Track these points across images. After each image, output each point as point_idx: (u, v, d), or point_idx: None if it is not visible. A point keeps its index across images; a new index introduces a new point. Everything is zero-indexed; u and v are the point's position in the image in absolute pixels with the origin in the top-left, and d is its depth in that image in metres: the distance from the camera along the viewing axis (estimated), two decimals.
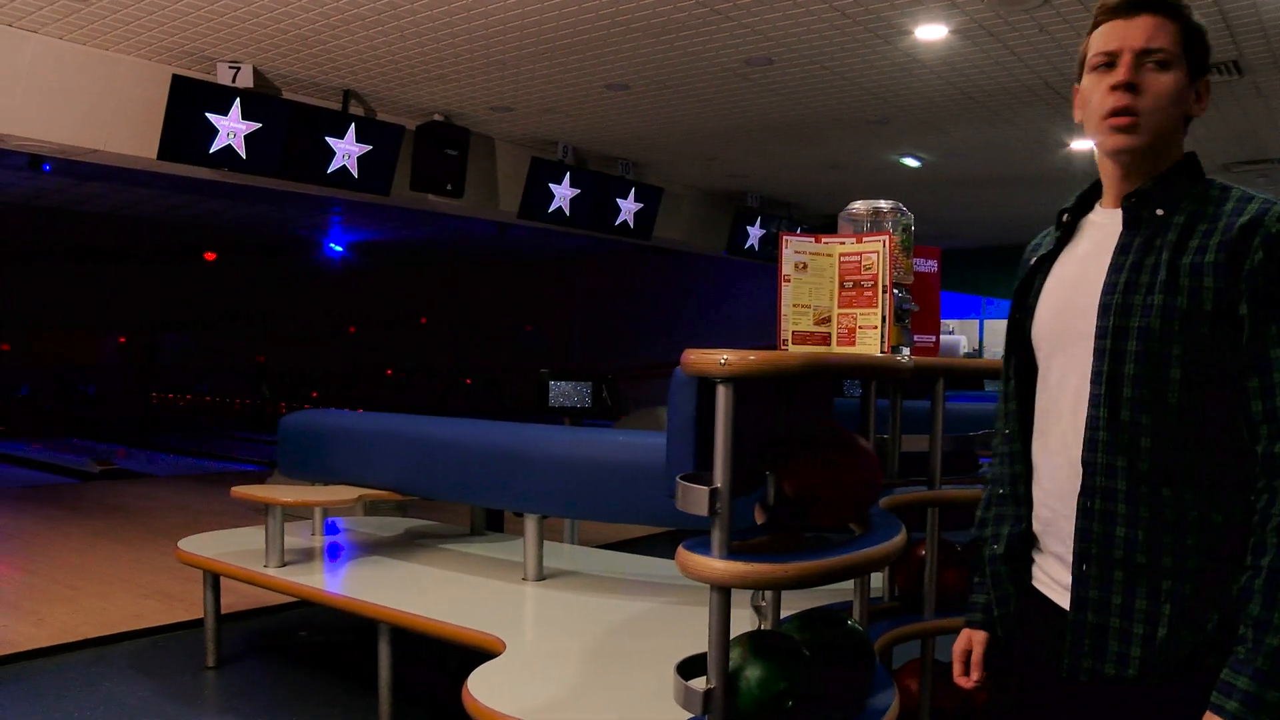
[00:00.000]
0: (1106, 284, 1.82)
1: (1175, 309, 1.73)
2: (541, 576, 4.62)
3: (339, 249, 20.12)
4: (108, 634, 5.89)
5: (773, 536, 2.44)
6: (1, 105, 6.72)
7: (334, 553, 5.46)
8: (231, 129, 7.37)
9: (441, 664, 5.20)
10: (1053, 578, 1.93)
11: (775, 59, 6.99)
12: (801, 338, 2.63)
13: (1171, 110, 1.82)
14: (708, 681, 2.11)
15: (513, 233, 14.39)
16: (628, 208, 10.54)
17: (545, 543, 4.71)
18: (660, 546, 6.48)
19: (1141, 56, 1.81)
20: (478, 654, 3.66)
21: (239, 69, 7.34)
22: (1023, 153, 9.72)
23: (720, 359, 2.06)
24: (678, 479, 2.18)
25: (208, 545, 5.47)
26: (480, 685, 3.16)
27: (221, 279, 28.16)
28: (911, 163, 10.32)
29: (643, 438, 4.38)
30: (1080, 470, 1.83)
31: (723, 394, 2.08)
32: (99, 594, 6.76)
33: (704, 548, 2.12)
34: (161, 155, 7.26)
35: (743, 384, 2.09)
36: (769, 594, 2.76)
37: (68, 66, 6.96)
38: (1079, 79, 1.93)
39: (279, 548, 4.94)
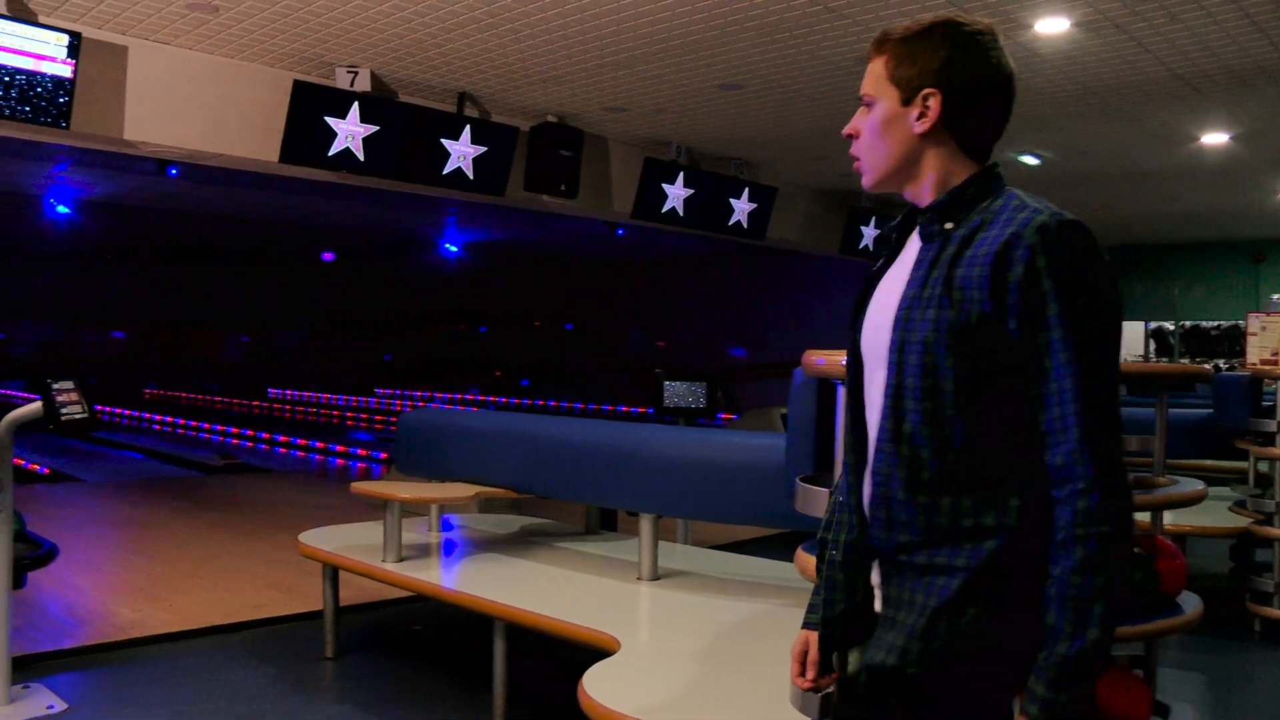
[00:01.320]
0: (900, 299, 1.82)
1: (946, 321, 1.73)
2: (656, 576, 4.63)
3: (454, 249, 20.44)
4: (231, 622, 6.08)
5: None
6: (136, 114, 6.98)
7: (450, 549, 5.54)
8: (350, 132, 7.53)
9: (554, 661, 5.25)
10: (873, 583, 1.93)
11: None
12: None
13: (884, 142, 1.87)
14: None
15: (625, 233, 14.46)
16: (741, 208, 10.51)
17: (659, 542, 4.72)
18: (773, 549, 6.44)
19: (861, 103, 1.91)
20: (591, 652, 3.68)
21: (357, 73, 7.50)
22: (1148, 149, 9.44)
23: (842, 360, 2.04)
24: (797, 480, 2.16)
25: (327, 539, 5.60)
26: (595, 683, 3.17)
27: (339, 279, 28.85)
28: (1030, 161, 10.09)
29: (758, 439, 4.36)
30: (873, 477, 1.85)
31: (844, 395, 2.06)
32: (222, 583, 6.97)
33: None
34: (283, 158, 7.46)
35: None
36: None
37: (196, 75, 7.20)
38: None
39: (397, 543, 5.03)
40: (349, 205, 14.62)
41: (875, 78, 1.89)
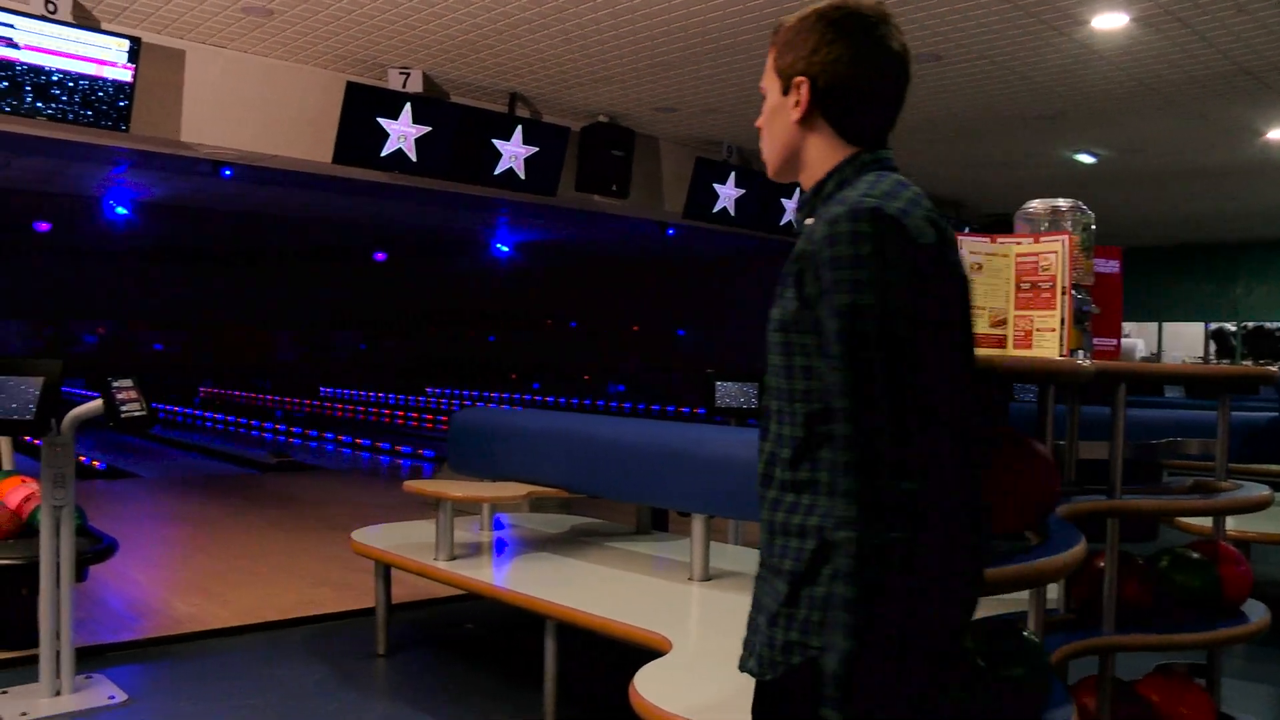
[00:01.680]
0: None
1: (772, 319, 1.72)
2: (708, 577, 4.62)
3: (505, 249, 20.52)
4: (284, 618, 6.14)
5: None
6: (193, 116, 7.09)
7: (501, 548, 5.57)
8: (402, 133, 7.59)
9: (603, 661, 5.26)
10: None
11: (944, 55, 6.85)
12: (976, 340, 2.56)
13: (772, 133, 1.86)
14: None
15: (675, 233, 14.44)
16: (793, 207, 10.46)
17: (710, 543, 4.71)
18: None
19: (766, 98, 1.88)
20: (641, 652, 3.67)
21: (409, 74, 7.57)
22: (1212, 144, 9.28)
23: None
24: None
25: (380, 537, 5.64)
26: (647, 683, 3.17)
27: (391, 279, 29.06)
28: (1087, 159, 9.97)
29: None
30: None
31: None
32: (275, 580, 7.05)
33: None
34: (336, 159, 7.54)
35: None
36: None
37: (251, 78, 7.30)
38: None
39: (449, 542, 5.06)
40: (401, 205, 14.73)
41: (767, 70, 1.87)
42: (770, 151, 1.88)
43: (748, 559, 5.17)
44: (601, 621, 4.00)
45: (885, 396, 1.55)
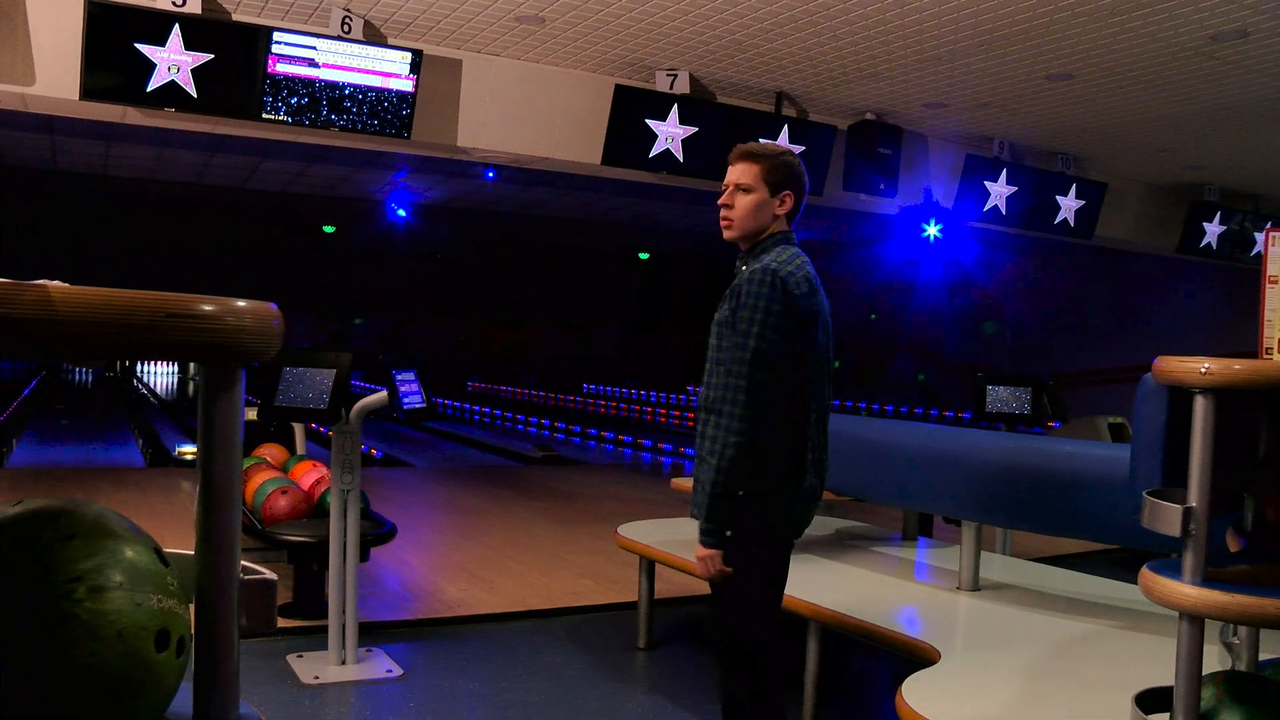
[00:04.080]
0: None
1: (716, 321, 3.13)
2: (976, 586, 4.46)
3: None
4: (549, 608, 6.31)
5: (1252, 567, 2.21)
6: (469, 122, 7.40)
7: None
8: (669, 134, 7.69)
9: (860, 666, 5.17)
10: None
11: (1251, 30, 6.34)
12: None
13: (757, 217, 3.18)
14: (1173, 719, 1.94)
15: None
16: (1068, 205, 10.01)
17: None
18: (1098, 565, 6.09)
19: (738, 188, 3.18)
20: (903, 660, 3.59)
21: (676, 75, 7.66)
22: None
23: (1201, 367, 1.90)
24: (1144, 495, 2.03)
25: (645, 532, 5.73)
26: (915, 693, 3.09)
27: (653, 277, 29.53)
28: None
29: (1089, 448, 4.12)
30: None
31: (1201, 406, 1.92)
32: (541, 570, 7.26)
33: (1173, 571, 1.96)
34: (605, 161, 7.71)
35: (1223, 396, 1.91)
36: (1243, 631, 2.50)
37: (524, 84, 7.55)
38: None
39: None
40: (665, 205, 14.97)
41: (755, 177, 3.17)
42: (749, 227, 3.18)
43: (1018, 569, 4.97)
44: (868, 626, 3.92)
45: (754, 364, 3.02)
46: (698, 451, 3.09)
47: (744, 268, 3.12)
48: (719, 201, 3.18)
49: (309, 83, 6.60)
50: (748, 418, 2.96)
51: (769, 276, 3.00)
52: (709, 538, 3.06)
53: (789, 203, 3.18)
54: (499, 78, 7.46)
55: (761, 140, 8.03)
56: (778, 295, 2.99)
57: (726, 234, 3.20)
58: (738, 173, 3.17)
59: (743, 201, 3.15)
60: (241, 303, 1.18)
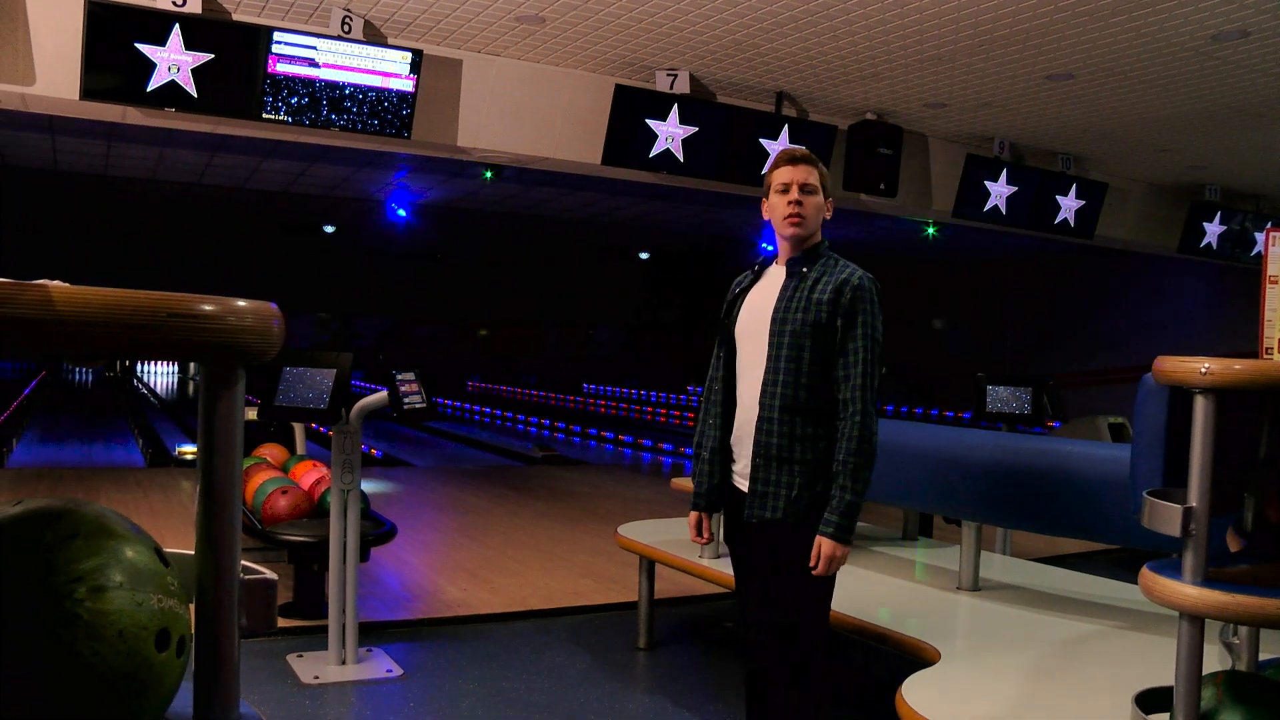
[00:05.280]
0: (776, 306, 3.30)
1: (808, 321, 3.23)
2: (976, 586, 4.46)
3: (771, 249, 20.53)
4: (550, 607, 6.32)
5: (1252, 567, 2.21)
6: (470, 121, 7.40)
7: None
8: (670, 134, 7.69)
9: (859, 664, 5.17)
10: (738, 473, 3.40)
11: (1251, 30, 6.34)
12: None
13: (817, 218, 3.36)
14: (1173, 719, 1.94)
15: (943, 233, 14.09)
16: (1068, 205, 10.01)
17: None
18: (1097, 565, 6.09)
19: (803, 188, 3.33)
20: (904, 660, 3.59)
21: (676, 75, 7.66)
22: None
23: (1201, 367, 1.90)
24: (1145, 494, 2.04)
25: (645, 532, 5.73)
26: (915, 693, 3.09)
27: (653, 278, 29.51)
28: None
29: (1089, 448, 4.12)
30: (758, 408, 3.28)
31: (1201, 406, 1.93)
32: (542, 569, 7.26)
33: (1173, 571, 1.97)
34: (605, 160, 7.70)
35: (1223, 396, 1.92)
36: (1244, 631, 2.50)
37: (525, 84, 7.55)
38: (766, 198, 3.44)
39: (715, 543, 5.07)
40: (666, 206, 14.96)
41: (816, 183, 3.35)
42: (814, 226, 3.35)
43: (1018, 569, 4.97)
44: (869, 626, 3.93)
45: (874, 371, 3.26)
46: (778, 451, 3.21)
47: (809, 270, 3.31)
48: (789, 200, 3.30)
49: (309, 83, 6.60)
50: (873, 414, 3.18)
51: (877, 285, 3.29)
52: (849, 535, 3.18)
53: (831, 209, 3.41)
54: (499, 78, 7.45)
55: (762, 140, 8.05)
56: (881, 305, 3.29)
57: (796, 230, 3.31)
58: (804, 173, 3.32)
59: (812, 201, 3.32)
60: (242, 303, 1.18)
